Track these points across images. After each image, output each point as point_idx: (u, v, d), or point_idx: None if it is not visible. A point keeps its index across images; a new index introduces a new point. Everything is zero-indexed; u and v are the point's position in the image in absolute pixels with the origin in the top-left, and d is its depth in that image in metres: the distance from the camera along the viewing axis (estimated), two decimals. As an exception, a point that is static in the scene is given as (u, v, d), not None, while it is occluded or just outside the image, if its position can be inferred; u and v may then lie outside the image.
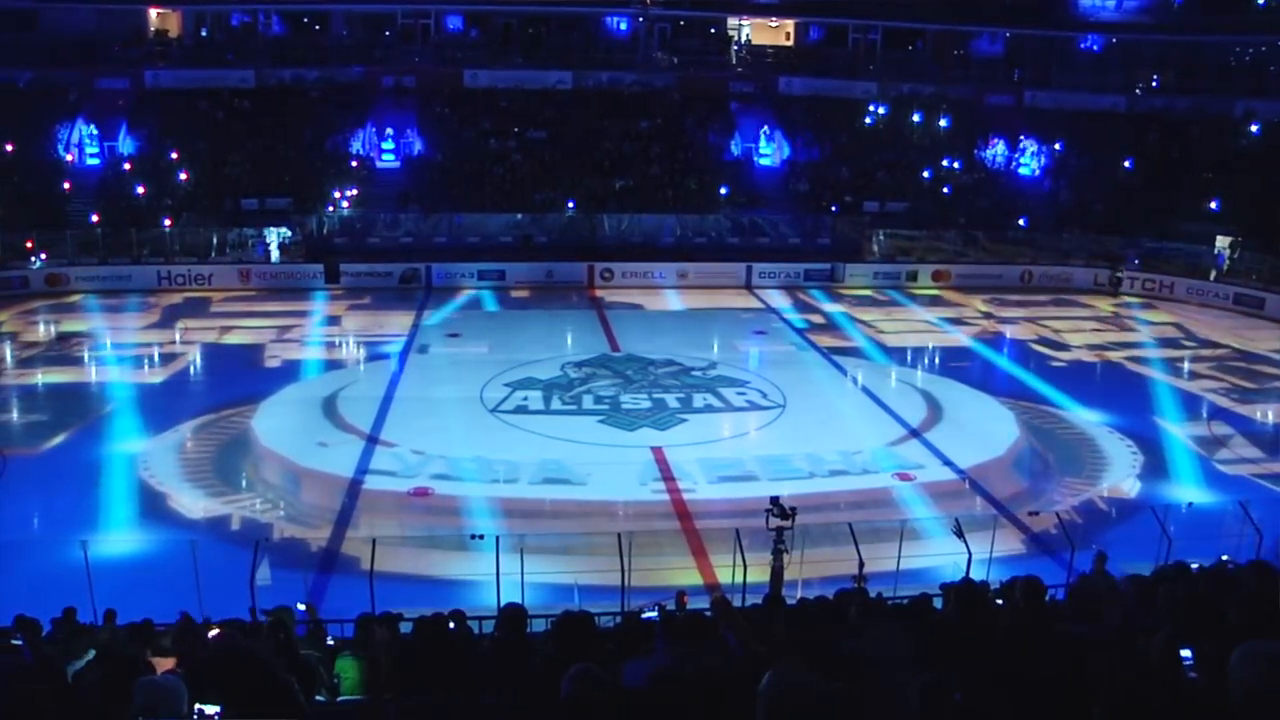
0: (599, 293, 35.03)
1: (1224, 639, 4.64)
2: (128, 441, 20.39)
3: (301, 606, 11.17)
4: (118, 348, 27.73)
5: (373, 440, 20.44)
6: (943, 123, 43.49)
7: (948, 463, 19.62)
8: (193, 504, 17.63)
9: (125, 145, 39.17)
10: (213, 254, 35.51)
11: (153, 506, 17.54)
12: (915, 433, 21.34)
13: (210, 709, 4.88)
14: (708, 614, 9.48)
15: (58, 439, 20.60)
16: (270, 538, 15.60)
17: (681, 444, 20.43)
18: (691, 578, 14.58)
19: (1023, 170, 42.65)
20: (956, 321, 32.37)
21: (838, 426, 22.11)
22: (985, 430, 21.65)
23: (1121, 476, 19.51)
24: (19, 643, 8.14)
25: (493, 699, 6.47)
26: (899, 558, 14.02)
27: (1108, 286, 36.52)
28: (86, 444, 20.31)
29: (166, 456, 19.68)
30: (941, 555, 14.39)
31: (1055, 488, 18.94)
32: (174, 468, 19.15)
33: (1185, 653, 4.89)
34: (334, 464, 19.13)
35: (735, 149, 42.33)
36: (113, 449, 20.02)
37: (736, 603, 10.65)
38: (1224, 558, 11.62)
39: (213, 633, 8.62)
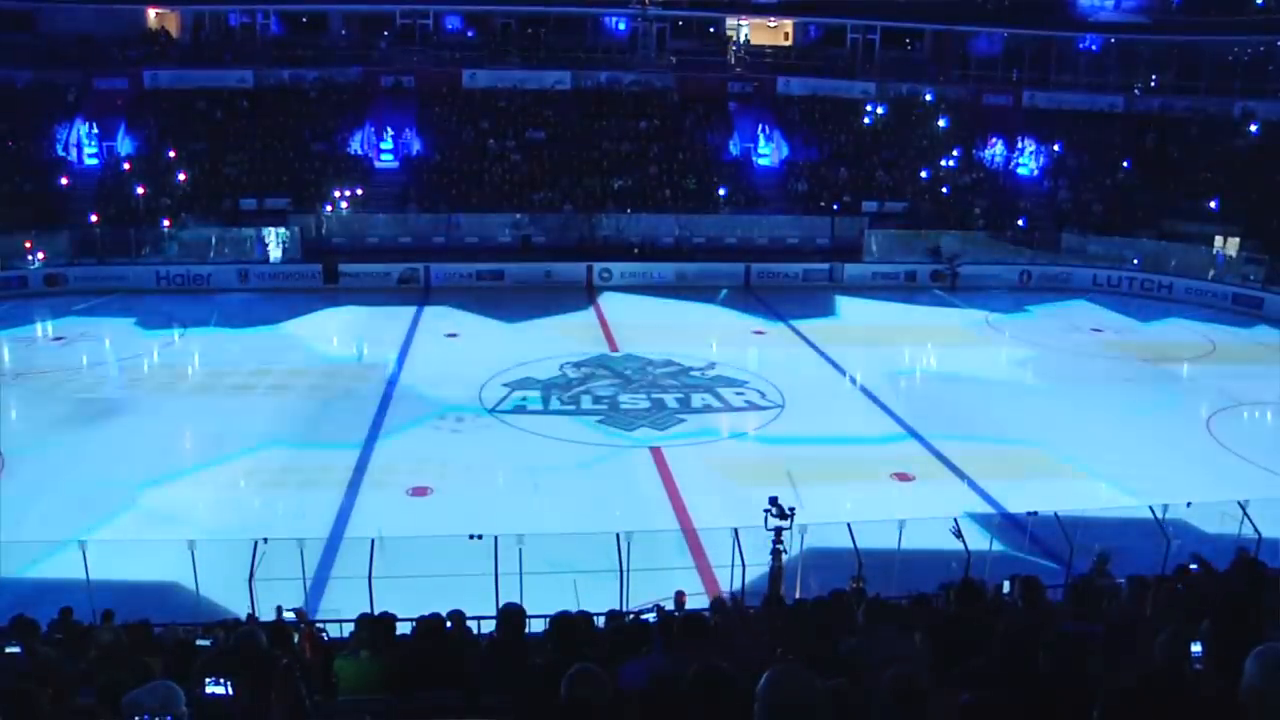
0: (598, 293, 34.99)
1: (1225, 638, 4.64)
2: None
3: (290, 614, 11.06)
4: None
5: (370, 440, 20.44)
6: (941, 123, 43.49)
7: (948, 462, 19.63)
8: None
9: (124, 145, 39.15)
10: (211, 254, 35.48)
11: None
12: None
13: (219, 689, 4.94)
14: (707, 614, 9.48)
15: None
16: (268, 538, 15.53)
17: (681, 444, 20.41)
18: (690, 578, 14.58)
19: (1021, 170, 42.66)
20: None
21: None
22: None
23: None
24: (15, 647, 8.11)
25: (491, 700, 6.46)
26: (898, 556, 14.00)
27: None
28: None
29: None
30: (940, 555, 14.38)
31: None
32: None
33: (1195, 648, 4.87)
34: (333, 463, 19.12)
35: (734, 149, 42.30)
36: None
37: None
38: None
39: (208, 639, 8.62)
